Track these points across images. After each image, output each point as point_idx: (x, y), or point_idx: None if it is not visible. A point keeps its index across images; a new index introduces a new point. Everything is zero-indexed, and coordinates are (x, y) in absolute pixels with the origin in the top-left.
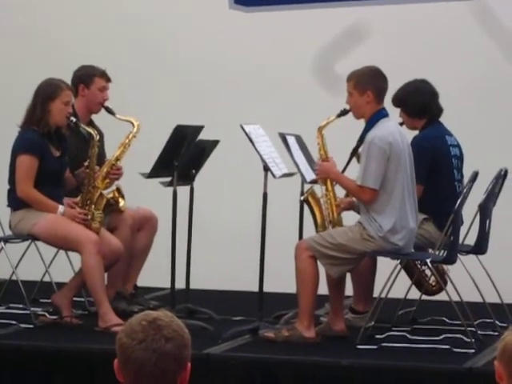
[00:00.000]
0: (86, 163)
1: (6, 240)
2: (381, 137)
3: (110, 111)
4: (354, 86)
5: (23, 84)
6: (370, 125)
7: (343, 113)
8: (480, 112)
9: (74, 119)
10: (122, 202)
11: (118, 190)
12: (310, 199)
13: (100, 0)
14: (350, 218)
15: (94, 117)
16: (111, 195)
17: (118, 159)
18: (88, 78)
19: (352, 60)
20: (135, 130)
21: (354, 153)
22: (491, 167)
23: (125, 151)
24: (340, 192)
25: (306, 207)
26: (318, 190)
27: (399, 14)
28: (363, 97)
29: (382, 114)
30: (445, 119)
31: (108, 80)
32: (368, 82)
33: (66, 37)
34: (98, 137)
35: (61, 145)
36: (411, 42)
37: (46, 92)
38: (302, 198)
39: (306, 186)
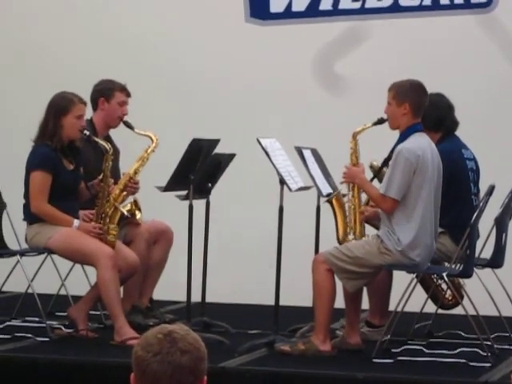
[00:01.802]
0: (100, 177)
1: (22, 253)
2: (410, 149)
3: (128, 126)
4: (393, 96)
5: (36, 96)
6: (403, 137)
7: (380, 121)
8: (495, 125)
9: (87, 132)
10: (138, 215)
11: (135, 202)
12: (334, 202)
13: (112, 14)
14: (370, 229)
15: (112, 131)
16: (128, 207)
17: (135, 172)
18: (108, 92)
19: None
20: (154, 144)
21: (386, 163)
22: (508, 181)
23: (143, 165)
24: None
25: (322, 220)
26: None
27: (402, 24)
28: (400, 108)
29: (416, 128)
30: (460, 132)
31: (128, 95)
32: (407, 94)
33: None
34: (111, 150)
35: (74, 158)
36: (414, 54)
37: (59, 106)
38: (325, 199)
39: (322, 200)
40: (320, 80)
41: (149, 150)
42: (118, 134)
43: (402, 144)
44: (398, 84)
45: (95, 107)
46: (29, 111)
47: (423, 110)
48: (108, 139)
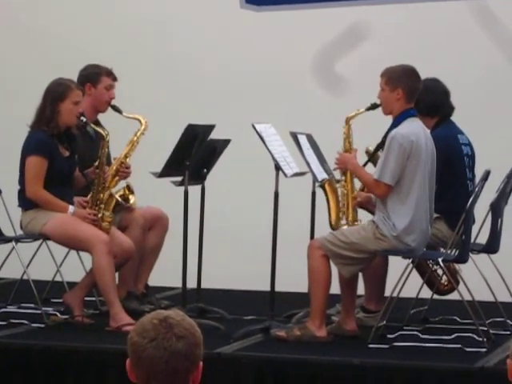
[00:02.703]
0: (95, 163)
1: (17, 240)
2: (403, 134)
3: (117, 109)
4: (386, 81)
5: (32, 83)
6: (396, 122)
7: (373, 106)
8: (491, 110)
9: (84, 119)
10: (132, 199)
11: (128, 187)
12: (327, 187)
13: (110, 2)
14: (364, 213)
15: (101, 116)
16: (121, 192)
17: (126, 157)
18: (94, 76)
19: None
20: (143, 127)
21: (379, 148)
22: (503, 166)
23: (133, 149)
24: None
25: (317, 206)
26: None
27: (399, 13)
28: (393, 93)
29: (409, 113)
30: (456, 117)
31: (114, 79)
32: (400, 79)
33: (78, 37)
34: (108, 137)
35: (70, 145)
36: (411, 41)
37: (56, 92)
38: (318, 183)
39: (318, 185)
40: (317, 67)
41: (138, 134)
42: (106, 118)
43: (396, 129)
44: (390, 69)
45: (82, 93)
46: (24, 98)
47: (416, 94)
48: (97, 124)
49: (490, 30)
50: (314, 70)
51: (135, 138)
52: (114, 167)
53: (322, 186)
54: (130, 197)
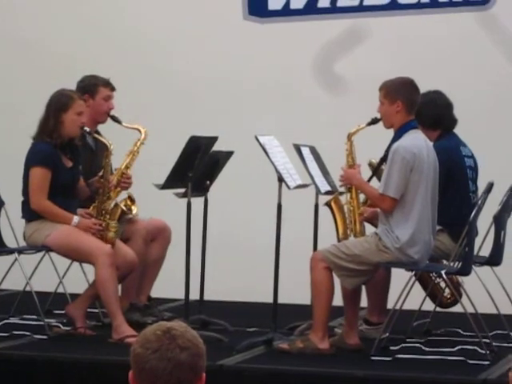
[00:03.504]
0: (100, 173)
1: (20, 251)
2: (406, 147)
3: (116, 120)
4: (384, 95)
5: (34, 96)
6: (398, 135)
7: (374, 121)
8: (494, 123)
9: (87, 129)
10: (134, 210)
11: (130, 197)
12: (333, 205)
13: (111, 10)
14: (371, 228)
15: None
16: (123, 203)
17: (127, 167)
18: (92, 87)
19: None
20: (143, 136)
21: (382, 162)
22: (506, 178)
23: (134, 159)
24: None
25: (320, 218)
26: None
27: (402, 25)
28: (393, 106)
29: (410, 125)
30: (459, 130)
31: (112, 89)
32: (399, 92)
33: (79, 49)
34: (112, 146)
35: (73, 155)
36: (413, 53)
37: (59, 103)
38: (325, 202)
39: (321, 197)
40: (319, 78)
41: (138, 143)
42: (105, 129)
43: (398, 142)
44: (388, 82)
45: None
46: (27, 109)
47: (416, 106)
48: (98, 135)
49: (495, 41)
50: (316, 80)
51: (135, 148)
52: (115, 178)
53: (329, 205)
54: (133, 207)
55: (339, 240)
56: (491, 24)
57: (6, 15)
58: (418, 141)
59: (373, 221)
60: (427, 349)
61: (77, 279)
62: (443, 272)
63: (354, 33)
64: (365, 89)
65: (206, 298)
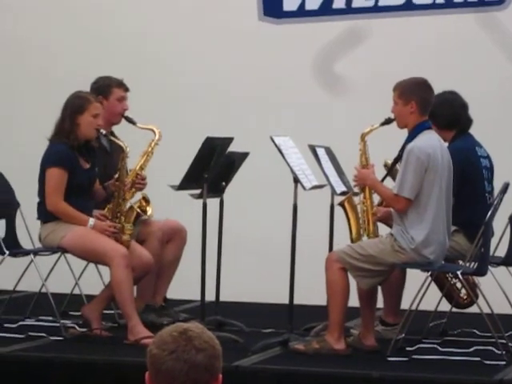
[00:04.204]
0: (115, 175)
1: (35, 252)
2: (420, 147)
3: (130, 121)
4: (398, 95)
5: (47, 97)
6: (412, 135)
7: (387, 121)
8: (510, 123)
9: (103, 131)
10: (149, 210)
11: (145, 198)
12: (347, 205)
13: (117, 12)
14: (384, 228)
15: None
16: (138, 204)
17: (142, 168)
18: (106, 89)
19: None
20: (157, 137)
21: (396, 162)
22: None
23: (148, 159)
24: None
25: (336, 219)
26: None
27: (410, 26)
28: (407, 107)
29: (424, 125)
30: (474, 130)
31: (126, 90)
32: (413, 92)
33: (92, 50)
34: (128, 149)
35: (90, 157)
36: (423, 55)
37: (75, 105)
38: (338, 202)
39: (336, 198)
40: (319, 79)
41: (153, 144)
42: (119, 130)
43: (413, 142)
44: (402, 83)
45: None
46: (41, 111)
47: (430, 106)
48: (113, 136)
49: (501, 42)
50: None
51: (150, 149)
52: (130, 179)
53: (342, 205)
54: (148, 208)
55: (352, 240)
56: (505, 25)
57: (5, 15)
58: (432, 141)
59: (386, 221)
60: (443, 349)
61: (93, 280)
62: (459, 272)
63: (362, 33)
64: (379, 90)
65: (221, 299)
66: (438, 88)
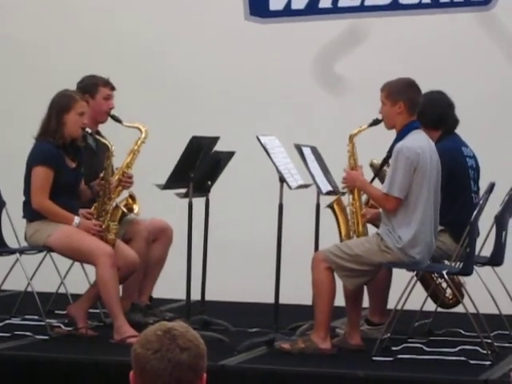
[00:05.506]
0: (101, 174)
1: (21, 251)
2: (409, 147)
3: (116, 119)
4: (386, 95)
5: (33, 97)
6: (400, 136)
7: (375, 122)
8: (496, 123)
9: (89, 130)
10: (136, 208)
11: (131, 196)
12: (336, 206)
13: (109, 12)
14: (373, 229)
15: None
16: (125, 202)
17: (128, 166)
18: (92, 87)
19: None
20: (143, 135)
21: (384, 163)
22: (507, 178)
23: (135, 158)
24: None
25: (322, 218)
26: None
27: (405, 26)
28: (395, 107)
29: (413, 125)
30: (460, 130)
31: (112, 88)
32: (400, 92)
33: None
34: (113, 147)
35: (76, 156)
36: (416, 55)
37: (61, 104)
38: (327, 205)
39: (322, 198)
40: (320, 79)
41: (139, 142)
42: (106, 128)
43: (402, 142)
44: (390, 83)
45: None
46: (27, 109)
47: (418, 107)
48: (99, 135)
49: (496, 41)
50: (317, 79)
51: (136, 147)
52: (116, 177)
53: (331, 207)
54: (134, 206)
55: (341, 241)
56: (492, 24)
57: (5, 16)
58: (421, 141)
59: (375, 222)
60: (428, 349)
61: (78, 279)
62: (445, 272)
63: (355, 33)
64: (367, 90)
65: (207, 298)
66: (432, 88)
